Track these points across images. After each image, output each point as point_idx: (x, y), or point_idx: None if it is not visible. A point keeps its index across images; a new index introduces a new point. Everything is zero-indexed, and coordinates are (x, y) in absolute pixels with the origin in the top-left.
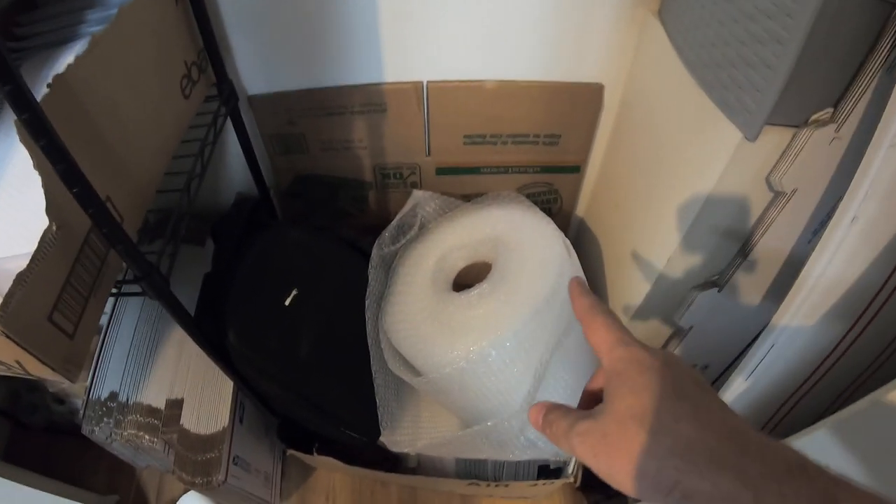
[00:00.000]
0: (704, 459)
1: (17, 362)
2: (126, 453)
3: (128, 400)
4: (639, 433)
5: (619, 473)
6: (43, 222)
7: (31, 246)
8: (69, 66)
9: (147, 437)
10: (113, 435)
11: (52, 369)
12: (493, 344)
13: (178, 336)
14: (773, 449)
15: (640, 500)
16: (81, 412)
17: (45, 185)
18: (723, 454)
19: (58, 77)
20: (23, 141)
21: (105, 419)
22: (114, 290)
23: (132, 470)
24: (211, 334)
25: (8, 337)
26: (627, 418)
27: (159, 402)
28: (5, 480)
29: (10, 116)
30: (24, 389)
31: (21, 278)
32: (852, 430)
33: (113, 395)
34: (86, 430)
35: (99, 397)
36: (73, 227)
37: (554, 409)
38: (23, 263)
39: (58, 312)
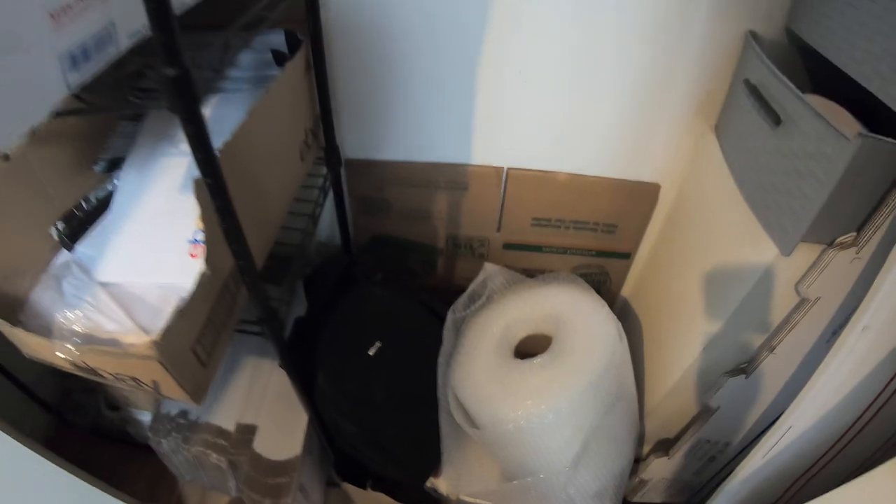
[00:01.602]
0: None
1: (154, 382)
2: (179, 466)
3: (197, 419)
4: None
5: None
6: (184, 254)
7: (177, 277)
8: (235, 134)
9: (214, 455)
10: (180, 449)
11: (186, 392)
12: (552, 408)
13: (251, 366)
14: None
15: None
16: (150, 424)
17: (207, 237)
18: None
19: (228, 143)
20: (199, 199)
21: (173, 434)
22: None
23: (172, 484)
24: (300, 373)
25: (161, 363)
26: None
27: (229, 425)
28: (52, 465)
29: (147, 140)
30: (78, 390)
31: (180, 313)
32: None
33: (183, 413)
34: (153, 441)
35: (168, 413)
36: (220, 271)
37: None
38: (171, 294)
39: (198, 344)
